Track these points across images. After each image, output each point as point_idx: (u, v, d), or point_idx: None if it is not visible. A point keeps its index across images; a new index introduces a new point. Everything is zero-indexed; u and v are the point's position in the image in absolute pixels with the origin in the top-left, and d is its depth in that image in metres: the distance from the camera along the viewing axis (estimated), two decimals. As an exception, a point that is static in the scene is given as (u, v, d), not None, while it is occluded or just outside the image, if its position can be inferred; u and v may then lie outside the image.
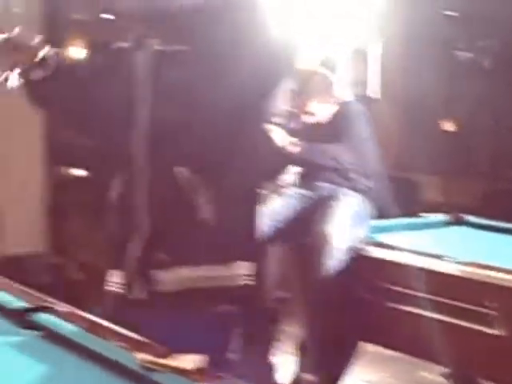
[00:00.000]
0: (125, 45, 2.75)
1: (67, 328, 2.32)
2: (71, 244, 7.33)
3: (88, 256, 6.63)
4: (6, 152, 6.64)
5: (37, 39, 2.70)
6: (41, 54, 2.68)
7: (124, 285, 2.68)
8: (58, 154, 7.29)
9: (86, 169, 7.64)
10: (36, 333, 2.37)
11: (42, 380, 2.05)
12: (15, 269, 6.16)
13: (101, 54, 2.90)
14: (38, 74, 2.68)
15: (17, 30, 2.69)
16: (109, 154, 2.82)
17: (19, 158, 6.72)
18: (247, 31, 2.63)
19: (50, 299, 2.58)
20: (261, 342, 3.84)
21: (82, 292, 5.10)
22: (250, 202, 2.73)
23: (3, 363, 2.17)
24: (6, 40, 2.66)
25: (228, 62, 2.60)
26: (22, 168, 6.77)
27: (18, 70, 2.66)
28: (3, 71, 2.67)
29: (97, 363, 2.11)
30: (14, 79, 2.66)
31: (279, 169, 4.81)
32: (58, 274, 6.47)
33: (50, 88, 2.72)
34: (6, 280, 3.06)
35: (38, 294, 2.66)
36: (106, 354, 2.11)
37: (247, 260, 2.67)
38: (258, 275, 2.70)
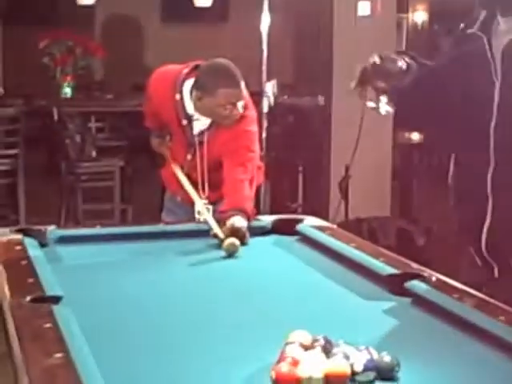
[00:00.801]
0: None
1: (439, 297, 2.32)
2: (418, 208, 7.35)
3: (436, 222, 6.61)
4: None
5: (400, 63, 2.66)
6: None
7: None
8: (403, 118, 7.32)
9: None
10: (407, 299, 2.40)
11: (413, 344, 2.08)
12: (363, 231, 6.30)
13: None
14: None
15: (383, 55, 2.67)
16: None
17: (369, 123, 6.82)
18: None
19: (418, 266, 2.60)
20: None
21: (429, 258, 5.10)
22: None
23: (378, 326, 2.22)
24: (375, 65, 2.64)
25: None
26: (370, 133, 6.86)
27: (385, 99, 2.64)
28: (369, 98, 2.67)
29: (474, 336, 2.09)
30: (384, 106, 2.65)
31: None
32: (405, 239, 6.51)
33: None
34: (370, 244, 3.13)
35: (406, 261, 2.69)
36: (483, 327, 2.09)
37: None
38: None
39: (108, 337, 2.13)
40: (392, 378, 1.85)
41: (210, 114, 3.49)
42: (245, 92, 3.50)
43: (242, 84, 3.44)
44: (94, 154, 6.87)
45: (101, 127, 7.85)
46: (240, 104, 3.43)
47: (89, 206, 6.72)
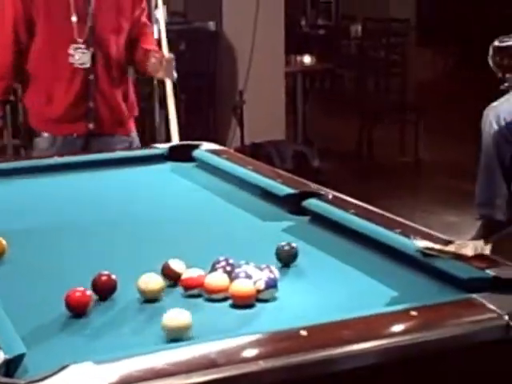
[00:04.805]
0: None
1: (336, 213, 2.36)
2: (312, 132, 7.43)
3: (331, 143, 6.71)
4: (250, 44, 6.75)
5: None
6: None
7: None
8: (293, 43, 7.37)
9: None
10: (305, 217, 2.44)
11: (311, 260, 2.12)
12: (259, 156, 6.34)
13: None
14: None
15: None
16: None
17: (261, 48, 6.82)
18: None
19: (316, 185, 2.63)
20: None
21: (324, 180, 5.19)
22: None
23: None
24: None
25: None
26: (262, 58, 6.87)
27: None
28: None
29: (369, 248, 2.15)
30: None
31: None
32: (300, 161, 6.58)
33: None
34: (267, 166, 3.16)
35: (303, 181, 2.72)
36: (378, 239, 2.14)
37: None
38: None
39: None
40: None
41: None
42: None
43: None
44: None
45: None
46: None
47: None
